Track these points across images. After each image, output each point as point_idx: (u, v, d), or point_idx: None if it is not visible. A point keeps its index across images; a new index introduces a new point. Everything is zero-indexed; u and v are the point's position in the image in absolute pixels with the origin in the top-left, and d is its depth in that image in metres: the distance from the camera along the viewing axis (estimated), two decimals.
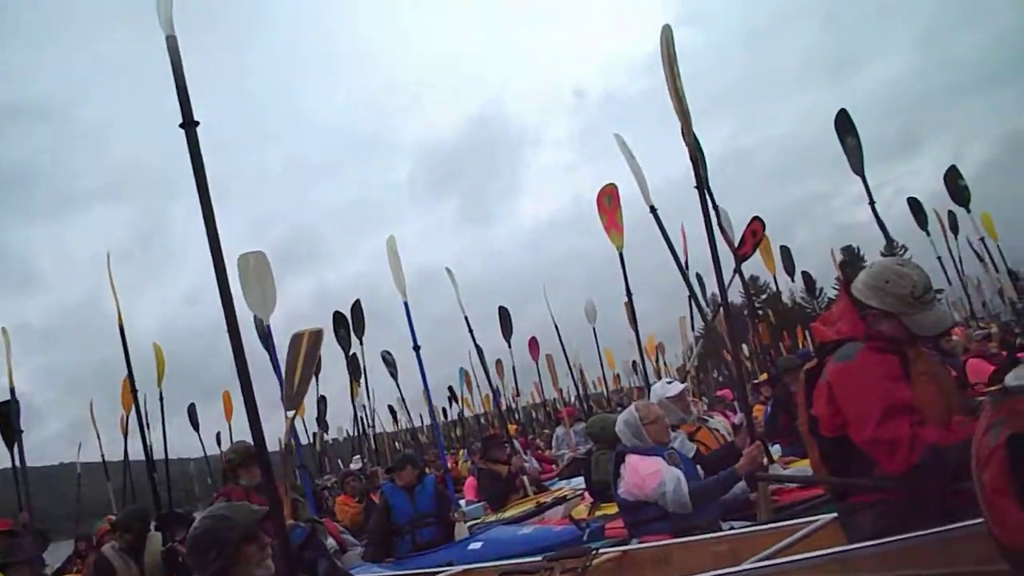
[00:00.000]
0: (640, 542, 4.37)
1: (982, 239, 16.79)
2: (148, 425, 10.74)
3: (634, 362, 24.26)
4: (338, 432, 28.86)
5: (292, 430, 5.93)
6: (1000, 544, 1.62)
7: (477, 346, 12.16)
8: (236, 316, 3.50)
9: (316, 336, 5.64)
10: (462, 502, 9.50)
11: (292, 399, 5.45)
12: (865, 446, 2.66)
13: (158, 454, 12.35)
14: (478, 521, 8.11)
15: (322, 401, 20.01)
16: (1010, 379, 1.67)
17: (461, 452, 20.17)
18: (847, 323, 2.90)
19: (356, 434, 20.05)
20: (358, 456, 17.75)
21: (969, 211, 14.81)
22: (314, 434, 20.13)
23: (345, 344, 15.37)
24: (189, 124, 3.58)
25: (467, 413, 28.79)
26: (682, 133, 5.15)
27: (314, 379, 12.71)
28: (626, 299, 9.57)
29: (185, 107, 3.56)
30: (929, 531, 2.46)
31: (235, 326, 3.49)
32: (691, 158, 5.17)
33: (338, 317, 15.21)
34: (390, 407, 28.88)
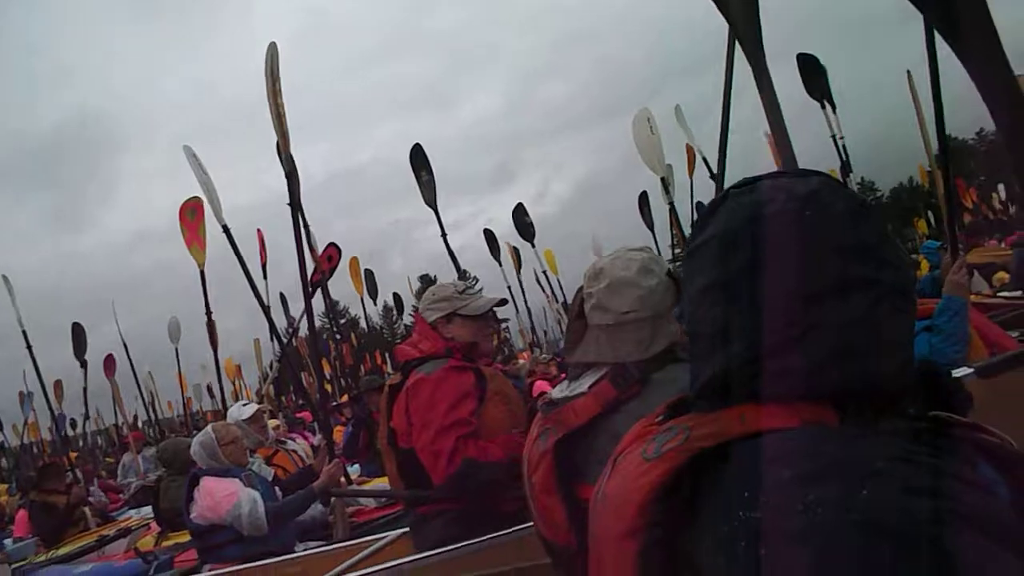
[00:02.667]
0: (211, 570, 4.16)
1: (544, 272, 18.79)
2: None
3: (209, 385, 23.09)
4: None
5: None
6: (546, 541, 1.78)
7: (35, 364, 10.69)
8: None
9: None
10: (8, 541, 8.49)
11: None
12: (421, 455, 2.92)
13: None
14: (25, 562, 7.17)
15: None
16: (555, 392, 1.88)
17: (3, 486, 17.64)
18: (428, 342, 3.15)
19: None
20: None
21: (534, 246, 16.43)
22: None
23: None
24: None
25: (28, 438, 25.30)
26: (277, 149, 5.09)
27: None
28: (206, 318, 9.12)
29: None
30: (489, 536, 2.71)
31: None
32: (287, 175, 5.17)
33: None
34: None
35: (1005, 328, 4.48)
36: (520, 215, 15.52)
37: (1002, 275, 9.48)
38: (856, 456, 0.76)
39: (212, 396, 23.07)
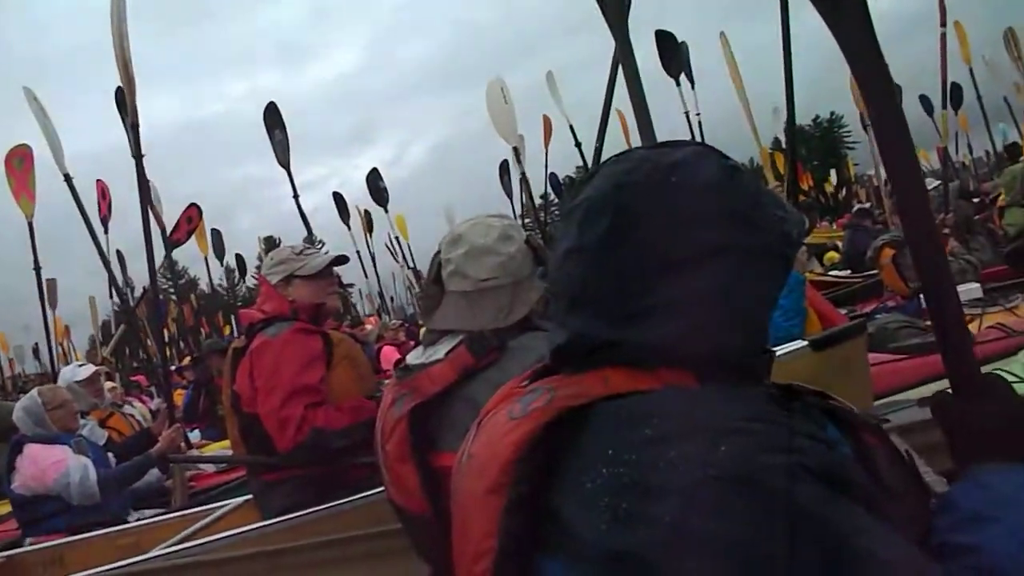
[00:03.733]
0: (34, 543, 3.90)
1: (396, 238, 18.57)
2: None
3: (36, 346, 21.51)
4: None
5: None
6: (398, 508, 1.76)
7: None
8: None
9: None
10: None
11: None
12: (266, 420, 2.83)
13: None
14: None
15: None
16: (411, 358, 1.85)
17: None
18: (272, 303, 3.07)
19: None
20: None
21: (387, 211, 16.21)
22: None
23: None
24: None
25: None
26: (119, 98, 4.77)
27: None
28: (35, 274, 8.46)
29: None
30: (339, 502, 2.66)
31: None
32: (132, 125, 4.83)
33: None
34: None
35: (836, 305, 4.80)
36: (374, 180, 15.29)
37: (832, 255, 10.12)
38: (715, 416, 0.79)
39: (38, 359, 21.55)
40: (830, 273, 7.94)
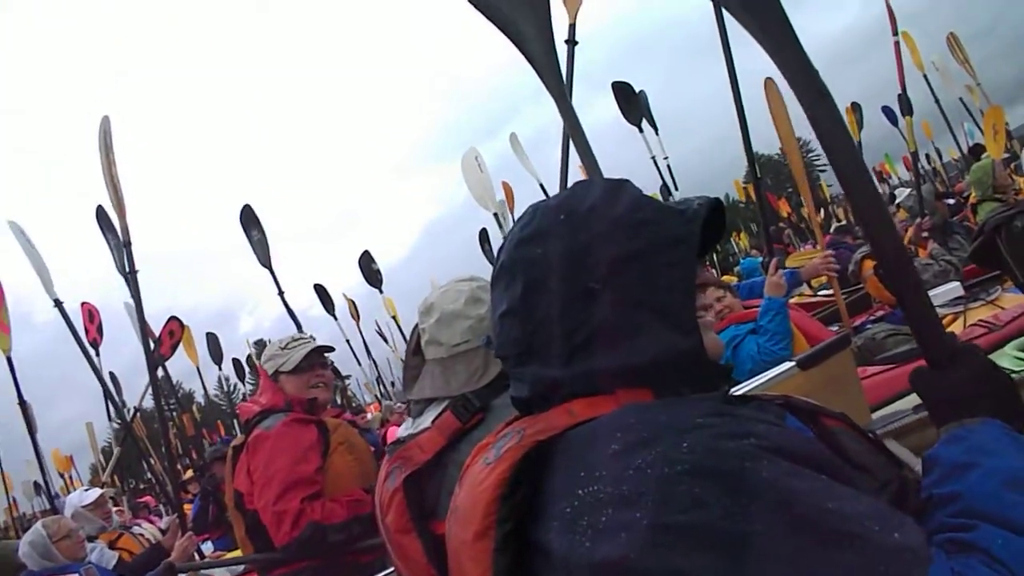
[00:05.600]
0: None
1: (394, 317, 18.45)
2: None
3: (36, 483, 20.95)
4: None
5: None
6: None
7: None
8: None
9: None
10: None
11: None
12: (262, 514, 2.81)
13: None
14: None
15: None
16: (400, 431, 1.87)
17: None
18: (268, 395, 3.08)
19: None
20: None
21: (382, 292, 16.10)
22: None
23: None
24: None
25: None
26: (99, 218, 4.82)
27: None
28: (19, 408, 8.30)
29: None
30: None
31: None
32: (123, 244, 4.92)
33: None
34: None
35: (826, 324, 4.80)
36: (367, 262, 15.31)
37: (820, 276, 10.12)
38: (675, 418, 0.83)
39: (39, 494, 21.03)
40: (819, 293, 7.96)
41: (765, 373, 2.41)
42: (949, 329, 3.38)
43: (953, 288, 4.40)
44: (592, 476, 0.80)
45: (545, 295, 0.95)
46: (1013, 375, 2.15)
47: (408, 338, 2.04)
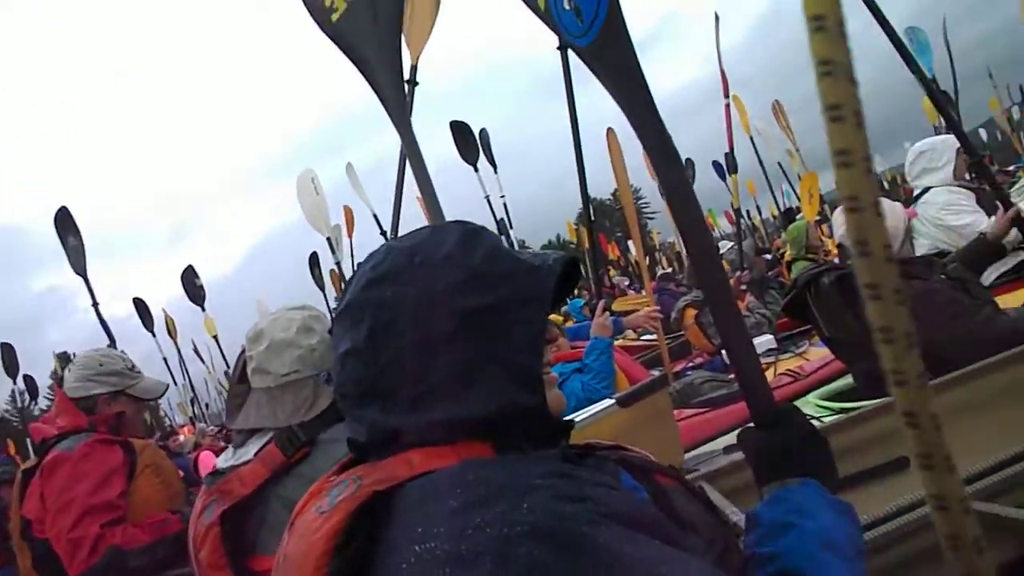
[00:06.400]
0: None
1: (215, 337, 17.63)
2: None
3: None
4: None
5: None
6: None
7: None
8: None
9: None
10: None
11: None
12: (56, 543, 2.59)
13: None
14: None
15: None
16: (220, 461, 1.79)
17: None
18: (68, 417, 2.85)
19: None
20: None
21: (204, 310, 15.34)
22: None
23: None
24: None
25: None
26: None
27: None
28: None
29: None
30: None
31: None
32: None
33: None
34: None
35: (648, 367, 5.01)
36: (189, 277, 14.54)
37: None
38: (514, 477, 0.81)
39: None
40: (643, 338, 8.27)
41: (587, 409, 2.47)
42: None
43: (767, 340, 4.71)
44: (429, 532, 0.78)
45: (392, 339, 0.93)
46: (815, 422, 2.33)
47: (232, 363, 1.96)
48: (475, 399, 0.91)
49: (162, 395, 3.01)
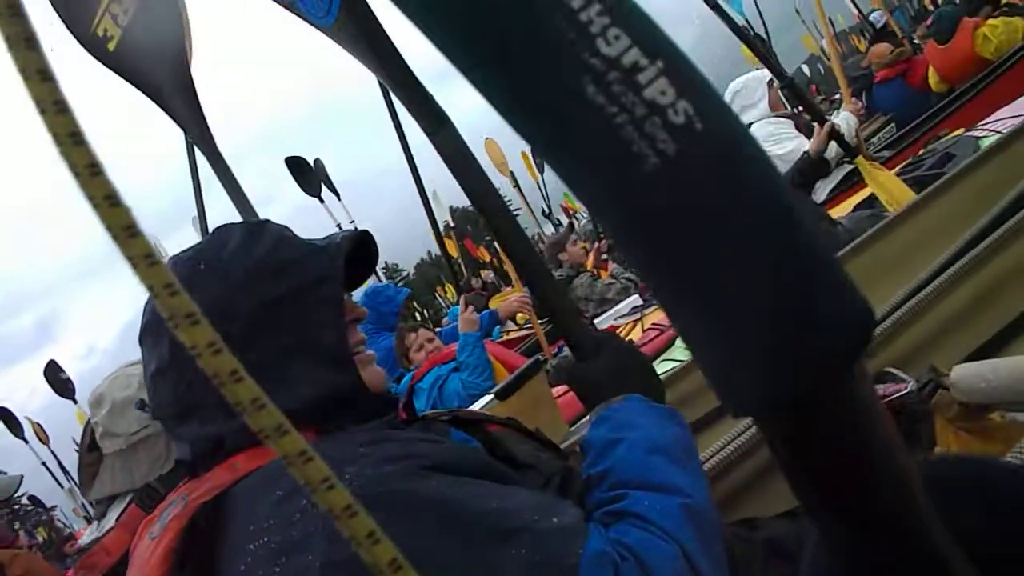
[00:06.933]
0: None
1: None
2: None
3: None
4: None
5: None
6: None
7: None
8: None
9: None
10: None
11: None
12: None
13: None
14: None
15: None
16: (83, 539, 1.72)
17: None
18: None
19: None
20: None
21: (76, 402, 14.52)
22: None
23: None
24: None
25: None
26: None
27: None
28: None
29: None
30: None
31: None
32: None
33: None
34: None
35: (531, 353, 5.05)
36: (53, 372, 13.70)
37: (522, 315, 10.69)
38: (337, 452, 0.82)
39: None
40: (525, 327, 8.39)
41: (469, 408, 2.48)
42: (629, 336, 3.72)
43: (633, 300, 4.81)
44: (260, 528, 0.77)
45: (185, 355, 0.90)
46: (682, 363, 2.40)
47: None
48: (289, 392, 0.90)
49: (15, 491, 2.86)
